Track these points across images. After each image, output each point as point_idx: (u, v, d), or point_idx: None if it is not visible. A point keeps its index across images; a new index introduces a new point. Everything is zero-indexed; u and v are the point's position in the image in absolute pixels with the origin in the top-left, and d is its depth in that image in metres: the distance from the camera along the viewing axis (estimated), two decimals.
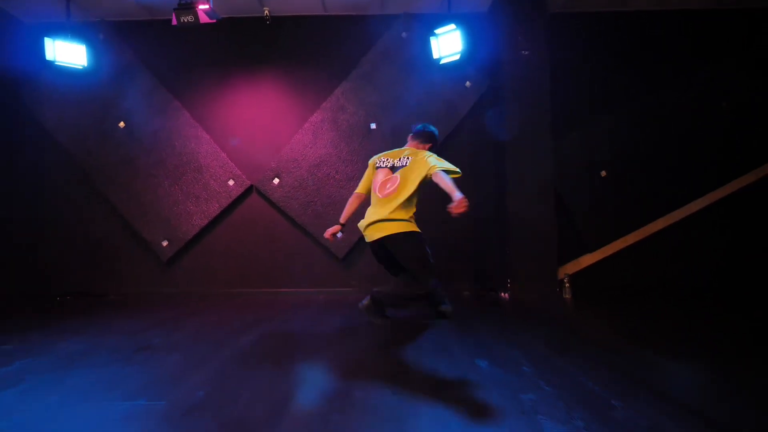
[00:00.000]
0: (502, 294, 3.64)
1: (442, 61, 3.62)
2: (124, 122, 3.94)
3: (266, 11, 3.91)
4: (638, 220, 3.95)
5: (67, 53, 3.54)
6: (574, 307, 3.21)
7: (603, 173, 3.98)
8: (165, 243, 3.91)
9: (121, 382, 1.58)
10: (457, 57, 3.57)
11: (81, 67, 3.62)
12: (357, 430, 1.20)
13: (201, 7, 2.85)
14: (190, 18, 2.84)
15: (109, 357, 1.93)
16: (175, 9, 2.85)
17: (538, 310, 3.02)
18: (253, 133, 4.03)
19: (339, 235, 2.63)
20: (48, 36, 3.49)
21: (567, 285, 3.64)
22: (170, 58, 4.05)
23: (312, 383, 1.58)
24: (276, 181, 3.95)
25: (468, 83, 3.96)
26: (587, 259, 3.94)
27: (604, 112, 4.01)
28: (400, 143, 3.90)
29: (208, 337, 2.27)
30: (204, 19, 2.90)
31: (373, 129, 3.98)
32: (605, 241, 3.95)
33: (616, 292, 3.66)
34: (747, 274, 3.84)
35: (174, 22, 2.89)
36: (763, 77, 3.94)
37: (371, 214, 2.42)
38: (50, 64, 3.54)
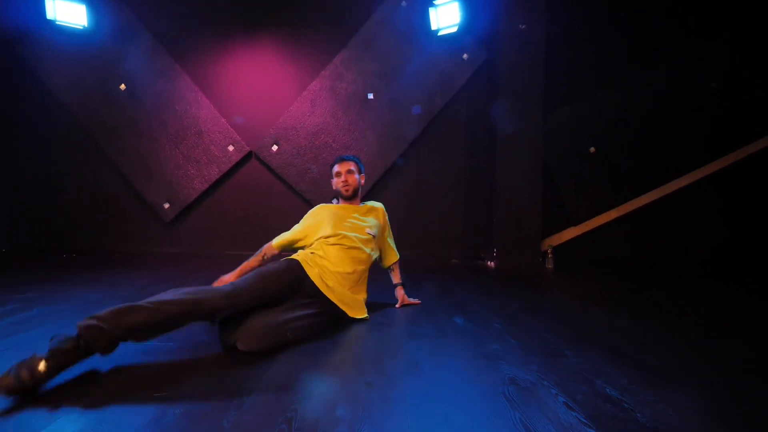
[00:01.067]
0: (489, 263, 3.85)
1: (441, 33, 3.65)
2: (125, 84, 3.99)
3: None
4: (623, 195, 4.11)
5: (68, 12, 3.55)
6: (555, 276, 3.42)
7: (592, 149, 4.09)
8: (167, 205, 4.06)
9: None
10: (455, 29, 3.60)
11: (81, 27, 3.63)
12: (341, 367, 1.40)
13: None
14: None
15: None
16: None
17: (520, 278, 3.23)
18: (253, 99, 4.09)
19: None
20: None
21: (550, 256, 3.83)
22: (170, 19, 4.04)
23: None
24: (275, 147, 4.05)
25: (465, 56, 3.99)
26: (571, 232, 4.13)
27: (596, 89, 4.07)
28: (398, 114, 4.01)
29: None
30: None
31: (371, 99, 4.05)
32: (590, 216, 4.13)
33: (598, 264, 3.87)
34: (727, 249, 4.05)
35: None
36: (752, 58, 3.98)
37: None
38: (51, 23, 3.55)
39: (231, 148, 4.05)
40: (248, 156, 4.12)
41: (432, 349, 1.55)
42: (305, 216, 2.08)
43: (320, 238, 1.93)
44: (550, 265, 3.79)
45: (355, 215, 2.03)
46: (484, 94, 4.02)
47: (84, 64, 3.94)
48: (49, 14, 3.49)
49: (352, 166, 2.07)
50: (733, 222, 4.07)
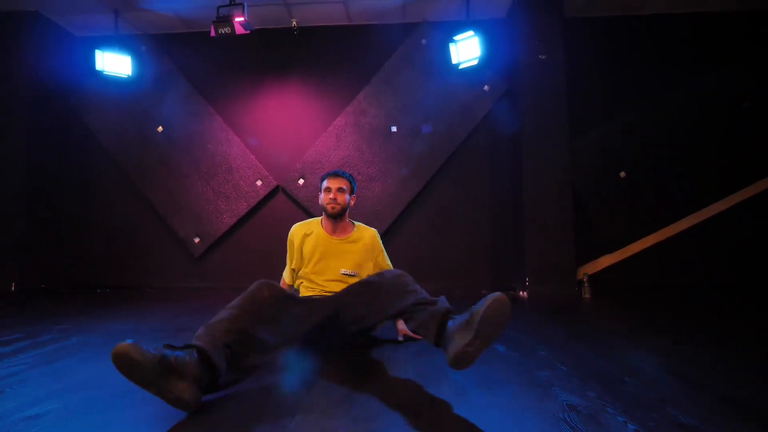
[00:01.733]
0: (521, 292, 3.70)
1: (461, 66, 3.76)
2: (163, 126, 4.23)
3: (294, 22, 4.15)
4: (658, 221, 3.95)
5: (114, 64, 3.86)
6: (593, 305, 3.25)
7: (622, 174, 4.01)
8: (197, 240, 4.15)
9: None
10: (475, 62, 3.71)
11: (126, 76, 3.93)
12: (383, 393, 1.33)
13: (237, 19, 3.09)
14: (227, 29, 3.08)
15: (153, 335, 2.12)
16: (214, 21, 3.10)
17: (556, 307, 3.08)
18: (280, 136, 4.26)
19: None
20: (97, 48, 3.82)
21: (586, 284, 3.66)
22: (205, 67, 4.33)
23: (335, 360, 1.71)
24: (301, 181, 4.14)
25: (486, 87, 4.08)
26: (607, 260, 3.96)
27: (621, 112, 4.05)
28: (420, 146, 4.07)
29: None
30: (239, 30, 3.14)
31: (394, 132, 4.14)
32: (625, 242, 3.97)
33: (636, 292, 3.66)
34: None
35: (212, 33, 3.14)
36: None
37: None
38: (98, 74, 3.86)
39: (259, 183, 4.17)
40: (275, 190, 4.22)
41: (478, 377, 1.45)
42: (288, 245, 1.99)
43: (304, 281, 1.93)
44: (587, 294, 3.60)
45: (338, 249, 1.92)
46: (507, 123, 4.06)
47: (125, 108, 4.23)
48: (98, 66, 3.80)
49: (344, 185, 1.90)
50: None
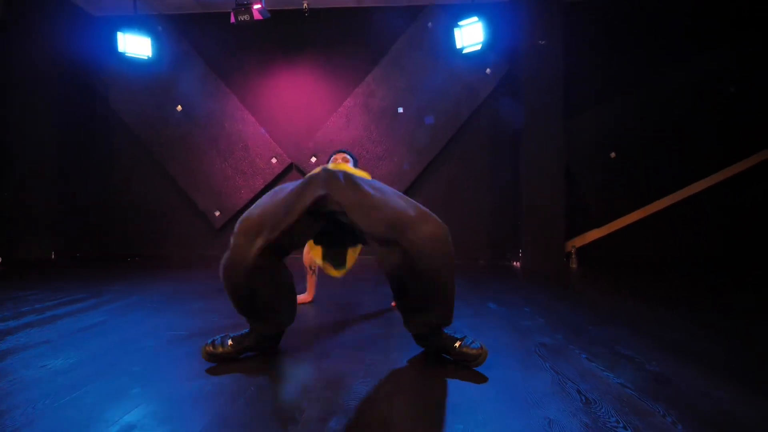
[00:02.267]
0: (515, 263, 4.08)
1: (465, 51, 3.96)
2: (182, 106, 4.47)
3: (305, 4, 4.28)
4: (644, 198, 4.27)
5: (135, 45, 4.05)
6: (578, 274, 3.62)
7: (612, 155, 4.29)
8: (217, 213, 4.49)
9: (215, 307, 2.12)
10: (478, 47, 3.90)
11: (146, 57, 4.13)
12: (393, 341, 1.70)
13: (255, 6, 3.28)
14: (246, 17, 3.28)
15: (196, 296, 2.50)
16: (233, 9, 3.30)
17: (545, 275, 3.45)
18: (293, 116, 4.50)
19: None
20: (115, 27, 4.00)
21: (574, 256, 4.03)
22: (220, 48, 4.52)
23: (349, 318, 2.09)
24: (313, 159, 4.43)
25: (488, 70, 4.28)
26: (594, 234, 4.31)
27: (615, 95, 4.28)
28: (426, 126, 4.32)
29: None
30: (257, 16, 3.34)
31: (401, 112, 4.38)
32: (612, 218, 4.30)
33: (620, 264, 4.04)
34: (747, 253, 4.14)
35: (232, 20, 3.34)
36: None
37: None
38: (120, 55, 4.07)
39: (274, 160, 4.46)
40: (289, 167, 4.51)
41: (473, 325, 1.83)
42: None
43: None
44: (574, 265, 3.98)
45: None
46: (508, 104, 4.30)
47: (146, 88, 4.46)
48: (120, 48, 3.99)
49: (348, 157, 2.22)
50: (753, 223, 4.16)
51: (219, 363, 1.33)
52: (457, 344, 1.32)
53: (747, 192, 4.16)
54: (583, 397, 1.09)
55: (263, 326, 1.39)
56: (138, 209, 4.62)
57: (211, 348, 1.33)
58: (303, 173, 4.48)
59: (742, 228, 4.17)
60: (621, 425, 0.94)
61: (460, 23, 3.90)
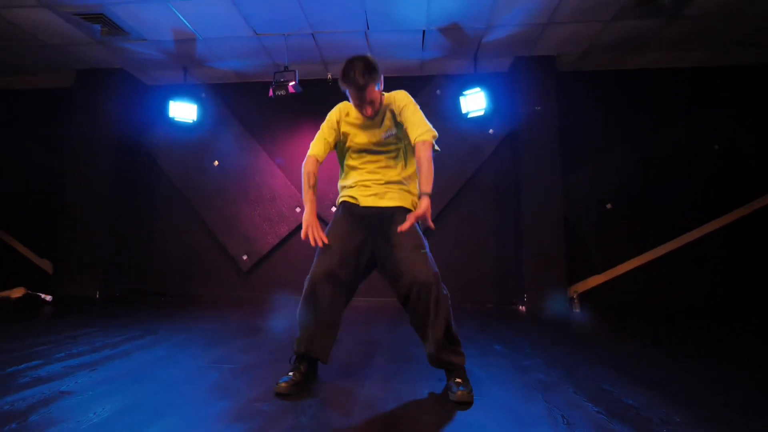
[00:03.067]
0: (520, 307, 4.35)
1: (470, 116, 4.49)
2: (218, 161, 5.03)
3: (329, 75, 4.94)
4: (640, 247, 4.58)
5: (183, 111, 4.68)
6: (580, 318, 3.88)
7: (609, 206, 4.67)
8: (245, 257, 4.91)
9: (250, 348, 2.47)
10: (481, 113, 4.44)
11: (191, 121, 4.75)
12: (415, 385, 2.02)
13: (290, 83, 3.88)
14: (282, 92, 3.87)
15: (235, 333, 2.84)
16: (272, 86, 3.90)
17: (549, 319, 3.73)
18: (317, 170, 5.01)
19: None
20: (165, 95, 4.66)
21: (576, 301, 4.30)
22: (254, 111, 5.14)
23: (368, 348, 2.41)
24: (333, 209, 4.88)
25: (491, 130, 4.80)
26: (595, 280, 4.60)
27: (608, 153, 4.73)
28: (435, 180, 4.78)
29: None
30: (291, 91, 3.93)
31: None
32: (611, 264, 4.60)
33: (620, 308, 4.28)
34: (735, 298, 4.37)
35: (270, 94, 3.93)
36: (750, 126, 4.56)
37: None
38: (168, 118, 4.69)
39: (298, 209, 4.92)
40: None
41: (480, 364, 2.14)
42: (327, 123, 2.00)
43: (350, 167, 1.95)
44: (576, 309, 4.24)
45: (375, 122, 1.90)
46: (509, 161, 4.77)
47: (188, 147, 5.05)
48: (171, 113, 4.63)
49: (365, 80, 1.72)
50: (743, 271, 4.43)
51: (293, 393, 1.66)
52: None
53: (738, 241, 4.46)
54: (565, 420, 1.40)
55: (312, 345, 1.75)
56: (174, 253, 5.06)
57: (284, 384, 1.67)
58: (323, 221, 4.93)
59: (738, 275, 4.43)
60: None
61: (465, 92, 4.47)
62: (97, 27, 4.03)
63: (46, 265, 5.14)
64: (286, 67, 4.01)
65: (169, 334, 2.80)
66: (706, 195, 4.57)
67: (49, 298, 4.58)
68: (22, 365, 2.03)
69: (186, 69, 4.81)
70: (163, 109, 4.83)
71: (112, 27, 3.99)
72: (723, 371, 2.05)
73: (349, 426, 1.35)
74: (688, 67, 4.74)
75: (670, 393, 1.70)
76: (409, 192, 1.94)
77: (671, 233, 4.58)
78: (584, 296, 4.54)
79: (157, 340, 2.61)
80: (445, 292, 1.73)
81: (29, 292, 4.79)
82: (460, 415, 1.45)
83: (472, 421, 1.40)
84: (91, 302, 4.37)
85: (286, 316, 3.60)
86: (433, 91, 4.91)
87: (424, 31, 4.01)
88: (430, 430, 1.34)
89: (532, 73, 4.56)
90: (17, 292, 4.80)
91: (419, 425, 1.38)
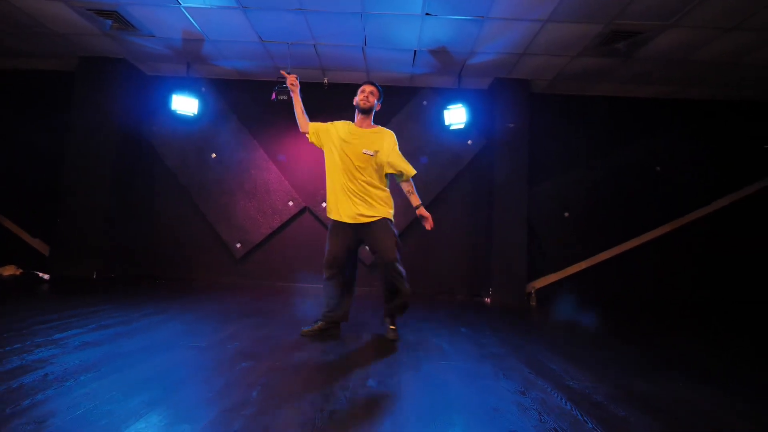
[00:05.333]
0: (486, 299, 4.96)
1: (452, 127, 5.01)
2: (216, 154, 5.35)
3: (325, 79, 5.30)
4: (592, 249, 5.28)
5: (184, 104, 4.96)
6: (535, 310, 4.52)
7: (566, 214, 5.32)
8: (239, 245, 5.28)
9: (260, 326, 2.91)
10: (462, 126, 4.96)
11: (192, 115, 5.04)
12: (387, 350, 2.53)
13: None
14: (284, 97, 4.24)
15: (240, 315, 3.27)
16: (275, 90, 4.26)
17: (509, 310, 4.34)
18: (309, 167, 5.42)
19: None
20: (166, 86, 4.92)
21: (533, 295, 4.94)
22: (251, 107, 5.47)
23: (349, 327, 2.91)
24: (324, 204, 5.31)
25: (470, 141, 5.34)
26: (551, 278, 5.27)
27: (570, 168, 5.38)
28: (418, 183, 5.30)
29: (278, 308, 3.61)
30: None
31: None
32: (565, 265, 5.28)
33: (572, 303, 4.96)
34: (667, 296, 5.15)
35: (273, 98, 4.29)
36: (687, 152, 5.31)
37: None
38: (172, 112, 4.96)
39: (291, 203, 5.33)
40: (303, 210, 5.38)
41: (448, 341, 2.68)
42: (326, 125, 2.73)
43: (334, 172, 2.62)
44: (533, 302, 4.89)
45: (363, 134, 2.57)
46: (484, 169, 5.33)
47: (187, 138, 5.33)
48: (173, 106, 4.90)
49: (375, 91, 2.56)
50: (675, 275, 5.20)
51: (317, 338, 2.50)
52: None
53: (671, 248, 5.23)
54: (505, 375, 1.95)
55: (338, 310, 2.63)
56: (170, 238, 5.36)
57: (308, 330, 2.57)
58: (314, 215, 5.36)
59: (670, 278, 5.20)
60: (528, 395, 1.81)
61: (449, 106, 4.97)
62: (108, 22, 4.26)
63: (40, 245, 5.33)
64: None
65: (180, 313, 3.20)
66: (648, 208, 5.30)
67: (46, 276, 4.81)
68: (65, 333, 2.41)
69: (189, 64, 5.07)
70: (164, 100, 5.10)
71: (123, 23, 4.24)
72: (632, 352, 2.68)
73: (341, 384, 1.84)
74: (645, 97, 5.43)
75: (587, 364, 2.28)
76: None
77: (618, 239, 5.29)
78: (541, 292, 5.20)
79: (174, 316, 3.01)
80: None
81: (22, 270, 4.97)
82: (429, 371, 1.97)
83: (437, 376, 1.92)
84: (87, 282, 4.64)
85: (285, 301, 4.04)
86: (420, 102, 5.39)
87: (415, 51, 4.47)
88: (407, 382, 1.85)
89: (508, 92, 5.12)
90: (8, 270, 4.99)
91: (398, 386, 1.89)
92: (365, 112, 2.58)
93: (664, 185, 5.32)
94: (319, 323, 2.61)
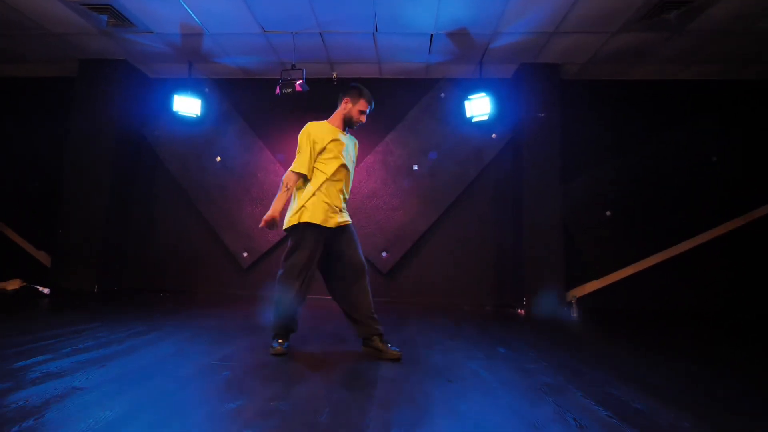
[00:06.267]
0: (519, 311, 4.41)
1: (474, 119, 4.54)
2: (220, 157, 5.01)
3: (334, 74, 4.95)
4: (637, 254, 4.67)
5: (187, 105, 4.65)
6: (578, 322, 3.95)
7: (608, 213, 4.74)
8: (245, 254, 4.89)
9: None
10: (486, 117, 4.48)
11: (195, 116, 4.72)
12: (421, 372, 2.05)
13: (297, 82, 3.89)
14: (289, 90, 3.87)
15: (237, 332, 2.85)
16: (280, 84, 3.90)
17: (547, 323, 3.78)
18: None
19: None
20: (168, 88, 4.63)
21: (574, 305, 4.37)
22: (256, 107, 5.13)
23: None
24: None
25: (494, 135, 4.85)
26: (593, 285, 4.67)
27: (608, 161, 4.81)
28: (437, 183, 4.83)
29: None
30: (298, 89, 3.93)
31: (415, 170, 4.90)
32: (609, 271, 4.68)
33: (616, 313, 4.36)
34: (730, 305, 4.48)
35: (278, 92, 3.93)
36: (747, 139, 4.67)
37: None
38: (174, 113, 4.66)
39: None
40: None
41: (486, 366, 2.18)
42: (309, 140, 2.35)
43: (329, 178, 2.34)
44: (574, 314, 4.31)
45: (349, 144, 2.55)
46: (511, 166, 4.82)
47: (190, 142, 5.02)
48: (175, 108, 4.60)
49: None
50: (738, 280, 4.53)
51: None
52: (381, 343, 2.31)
53: (734, 250, 4.57)
54: (578, 423, 1.44)
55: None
56: (172, 248, 5.03)
57: (279, 349, 2.28)
58: None
59: (733, 283, 4.54)
60: None
61: (470, 96, 4.51)
62: (104, 17, 3.99)
63: (44, 257, 5.08)
64: (293, 66, 4.02)
65: (174, 330, 2.80)
66: (704, 205, 4.67)
67: (47, 291, 4.53)
68: (30, 360, 2.02)
69: (191, 63, 4.78)
70: (166, 102, 4.81)
71: (118, 18, 3.97)
72: (720, 376, 2.12)
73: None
74: (689, 79, 4.84)
75: (674, 399, 1.75)
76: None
77: (668, 242, 4.67)
78: (581, 301, 4.61)
79: (165, 336, 2.60)
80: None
81: (26, 284, 4.73)
82: (470, 415, 1.48)
83: (483, 425, 1.43)
84: (89, 296, 4.32)
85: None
86: (438, 95, 4.95)
87: (432, 35, 4.04)
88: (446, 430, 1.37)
89: (536, 79, 4.62)
90: (13, 284, 4.74)
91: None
92: (351, 127, 2.60)
93: (722, 178, 4.68)
94: (282, 341, 2.37)
